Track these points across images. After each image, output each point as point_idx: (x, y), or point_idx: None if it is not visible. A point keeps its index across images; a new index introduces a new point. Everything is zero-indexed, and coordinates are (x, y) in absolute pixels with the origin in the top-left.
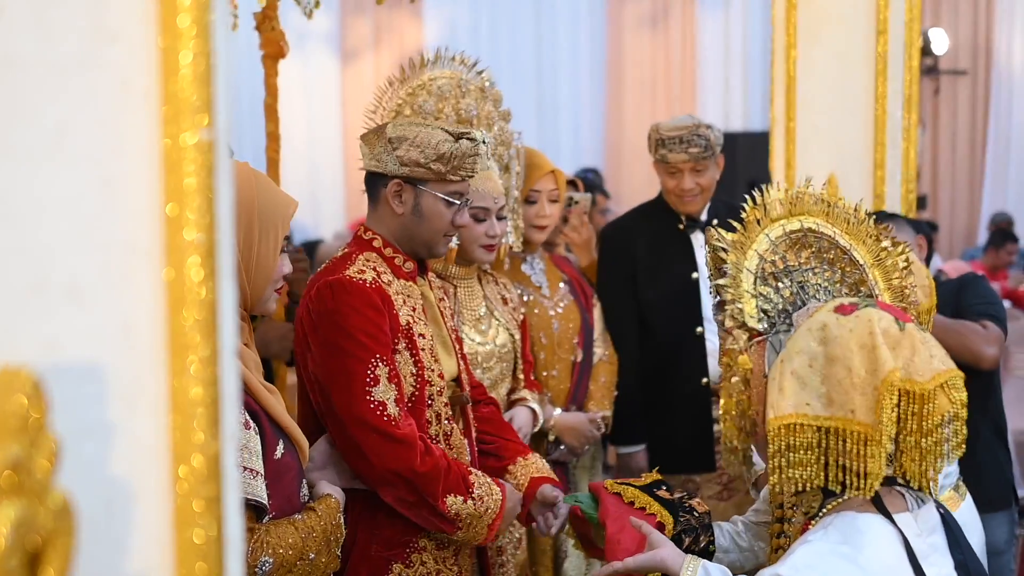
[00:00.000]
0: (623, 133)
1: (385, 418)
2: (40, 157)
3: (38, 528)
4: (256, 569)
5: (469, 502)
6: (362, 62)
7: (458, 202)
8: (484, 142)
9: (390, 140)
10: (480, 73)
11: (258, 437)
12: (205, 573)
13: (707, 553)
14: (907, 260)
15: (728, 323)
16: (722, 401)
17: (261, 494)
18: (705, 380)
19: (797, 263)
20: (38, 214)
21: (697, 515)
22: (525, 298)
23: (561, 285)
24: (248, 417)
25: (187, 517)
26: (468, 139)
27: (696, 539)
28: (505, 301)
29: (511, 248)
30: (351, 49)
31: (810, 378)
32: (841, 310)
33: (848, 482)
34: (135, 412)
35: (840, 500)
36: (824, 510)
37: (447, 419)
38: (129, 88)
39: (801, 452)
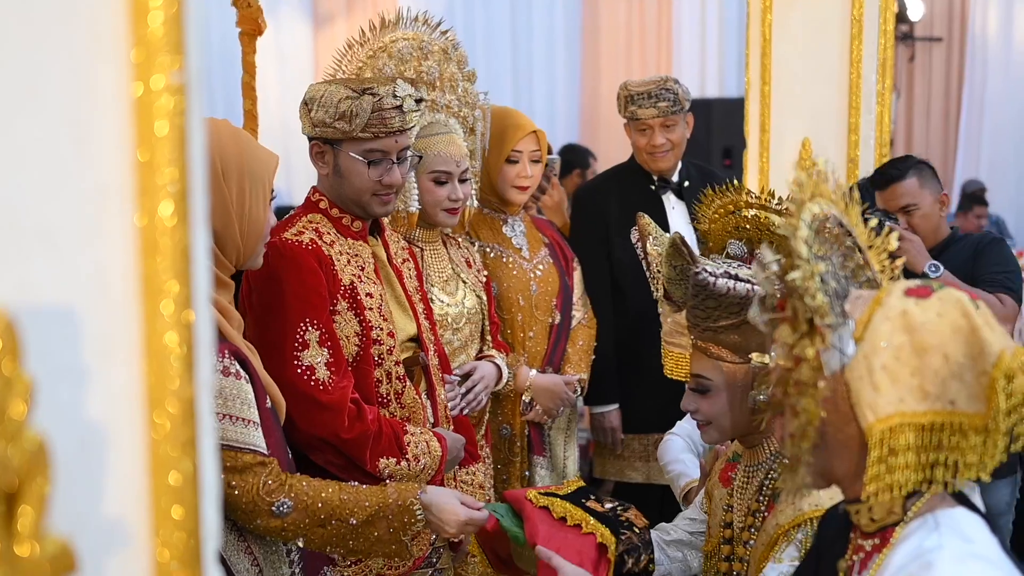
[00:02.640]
0: (599, 99)
1: (312, 383)
2: (11, 104)
3: (14, 468)
4: (273, 508)
5: (403, 463)
6: (335, 27)
7: (376, 160)
8: (396, 95)
9: (305, 102)
10: (444, 33)
11: (250, 386)
12: (180, 515)
13: (647, 573)
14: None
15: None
16: (789, 419)
17: (259, 443)
18: None
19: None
20: (10, 160)
21: (638, 531)
22: (504, 259)
23: (542, 248)
24: (239, 368)
25: (163, 460)
26: (371, 94)
27: (638, 559)
28: (469, 264)
29: (475, 210)
30: (324, 14)
31: (899, 372)
32: (915, 293)
33: (937, 477)
34: (109, 356)
35: (924, 499)
36: (909, 513)
37: (399, 378)
38: (99, 32)
39: (904, 454)
